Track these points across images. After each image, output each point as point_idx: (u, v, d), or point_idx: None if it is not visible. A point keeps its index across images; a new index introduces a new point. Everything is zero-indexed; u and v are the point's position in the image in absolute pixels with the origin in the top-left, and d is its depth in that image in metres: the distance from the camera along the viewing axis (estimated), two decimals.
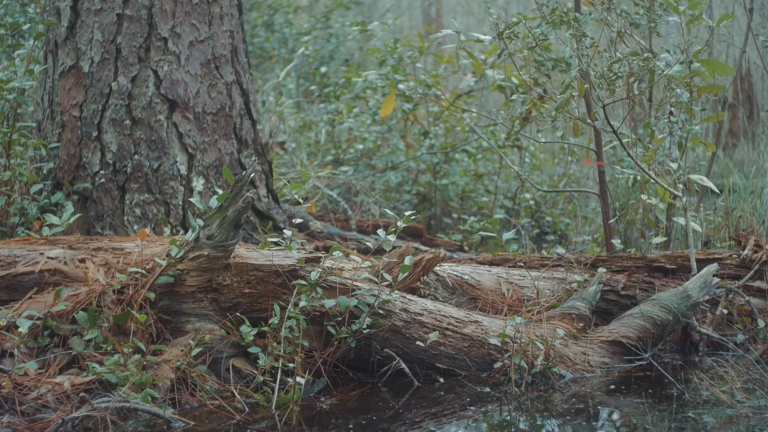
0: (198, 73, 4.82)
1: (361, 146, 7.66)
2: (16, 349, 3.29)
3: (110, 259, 3.67)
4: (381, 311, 3.65)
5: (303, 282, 3.55)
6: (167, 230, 4.66)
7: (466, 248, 6.37)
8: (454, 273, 4.26)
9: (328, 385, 3.58)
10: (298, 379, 3.36)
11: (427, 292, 4.13)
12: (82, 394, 3.19)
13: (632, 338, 3.96)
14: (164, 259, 3.53)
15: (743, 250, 4.44)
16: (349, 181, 7.09)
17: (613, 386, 3.65)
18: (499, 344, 3.72)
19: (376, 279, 3.68)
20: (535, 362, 3.66)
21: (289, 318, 3.47)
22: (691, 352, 4.18)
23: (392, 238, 3.68)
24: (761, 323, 4.18)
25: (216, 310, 3.59)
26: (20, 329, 3.25)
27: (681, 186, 4.41)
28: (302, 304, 3.50)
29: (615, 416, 3.31)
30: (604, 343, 3.95)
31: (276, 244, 3.71)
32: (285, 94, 8.97)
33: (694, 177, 4.46)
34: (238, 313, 3.57)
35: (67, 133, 4.75)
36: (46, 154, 4.79)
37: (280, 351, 3.42)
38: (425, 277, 4.12)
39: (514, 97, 5.91)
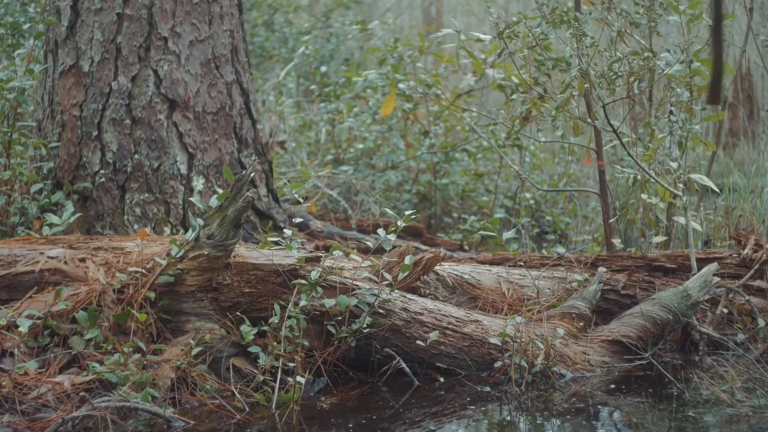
0: (198, 73, 4.82)
1: (361, 146, 7.66)
2: (16, 349, 3.29)
3: (110, 258, 3.67)
4: (381, 310, 3.64)
5: (303, 281, 3.55)
6: (167, 230, 4.65)
7: (466, 247, 6.37)
8: (455, 272, 4.26)
9: (328, 384, 3.58)
10: (299, 378, 3.36)
11: (428, 291, 4.13)
12: (82, 393, 3.19)
13: (632, 337, 3.96)
14: (164, 259, 3.53)
15: (743, 249, 4.43)
16: (349, 181, 7.09)
17: (613, 385, 3.65)
18: (500, 343, 3.72)
19: (376, 278, 3.68)
20: (535, 361, 3.66)
21: (289, 317, 3.47)
22: (691, 351, 4.18)
23: (392, 237, 3.68)
24: (761, 322, 4.18)
25: (216, 309, 3.59)
26: (20, 329, 3.25)
27: (681, 185, 4.41)
28: (302, 303, 3.49)
29: (615, 416, 3.31)
30: (604, 342, 3.95)
31: (276, 243, 3.71)
32: (285, 94, 8.97)
33: (695, 176, 4.45)
34: (238, 313, 3.57)
35: (67, 133, 4.75)
36: (46, 154, 4.79)
37: (280, 350, 3.42)
38: (425, 277, 4.12)
39: (514, 96, 5.90)
